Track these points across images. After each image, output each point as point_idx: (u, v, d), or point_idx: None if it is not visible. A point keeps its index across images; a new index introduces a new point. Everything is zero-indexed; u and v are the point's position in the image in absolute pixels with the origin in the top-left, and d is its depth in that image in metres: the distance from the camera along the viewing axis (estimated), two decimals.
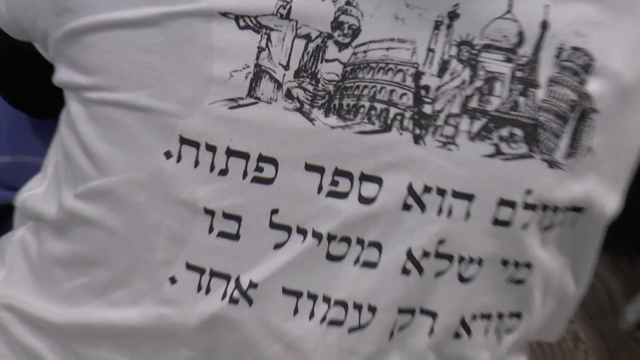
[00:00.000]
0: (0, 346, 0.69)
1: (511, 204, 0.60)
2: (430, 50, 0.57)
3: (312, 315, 0.61)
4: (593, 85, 0.60)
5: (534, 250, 0.63)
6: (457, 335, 0.65)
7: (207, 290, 0.61)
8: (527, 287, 0.66)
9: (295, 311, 0.61)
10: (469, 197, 0.59)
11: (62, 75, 0.63)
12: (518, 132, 0.59)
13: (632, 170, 0.68)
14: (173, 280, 0.62)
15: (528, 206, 0.61)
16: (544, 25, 0.58)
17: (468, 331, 0.65)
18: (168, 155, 0.59)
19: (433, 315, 0.64)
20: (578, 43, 0.58)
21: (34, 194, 0.69)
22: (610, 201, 0.66)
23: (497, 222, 0.61)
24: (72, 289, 0.65)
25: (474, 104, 0.58)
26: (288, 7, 0.56)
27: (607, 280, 1.80)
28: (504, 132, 0.59)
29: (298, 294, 0.61)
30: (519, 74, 0.58)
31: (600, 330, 1.73)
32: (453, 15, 0.57)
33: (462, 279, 0.62)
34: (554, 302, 0.71)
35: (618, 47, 0.60)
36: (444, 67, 0.57)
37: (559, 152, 0.61)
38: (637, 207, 1.34)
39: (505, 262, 0.63)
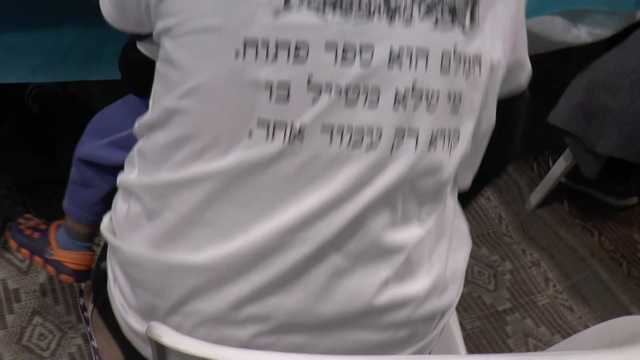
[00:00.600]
0: (136, 205, 0.84)
1: (448, 56, 0.76)
2: None
3: (342, 139, 0.74)
4: None
5: (460, 84, 0.77)
6: (429, 147, 0.77)
7: (273, 137, 0.73)
8: (461, 111, 0.79)
9: (331, 139, 0.74)
10: (426, 52, 0.74)
11: (158, 27, 0.76)
12: (446, 12, 0.75)
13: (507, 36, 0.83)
14: (250, 134, 0.74)
15: (454, 57, 0.76)
16: None
17: (435, 144, 0.78)
18: (237, 54, 0.72)
19: (416, 131, 0.76)
20: None
21: (143, 116, 0.83)
22: (495, 52, 0.81)
23: (442, 69, 0.76)
24: (177, 160, 0.77)
25: None
26: None
27: (516, 179, 2.06)
28: (438, 12, 0.75)
29: (332, 127, 0.74)
30: None
31: (514, 211, 1.99)
32: None
33: (429, 108, 0.76)
34: (474, 125, 0.84)
35: None
36: None
37: (466, 23, 0.77)
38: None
39: (449, 97, 0.77)
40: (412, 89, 0.74)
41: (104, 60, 1.29)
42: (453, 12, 0.76)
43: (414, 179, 0.78)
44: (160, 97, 0.78)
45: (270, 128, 0.73)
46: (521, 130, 1.05)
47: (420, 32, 0.74)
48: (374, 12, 0.72)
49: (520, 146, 1.06)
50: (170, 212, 0.79)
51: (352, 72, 0.72)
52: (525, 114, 1.03)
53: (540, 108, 2.25)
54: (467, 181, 0.93)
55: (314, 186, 0.75)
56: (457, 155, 0.82)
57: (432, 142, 0.77)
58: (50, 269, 1.41)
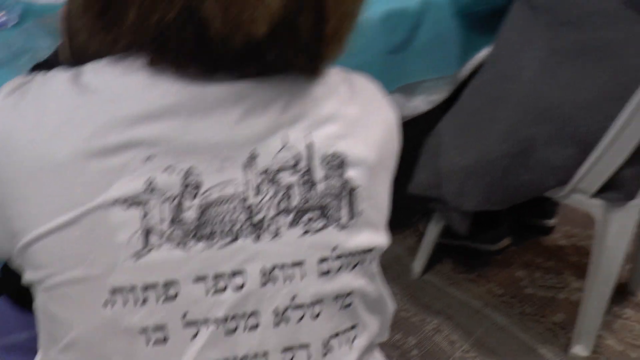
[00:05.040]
0: None
1: (326, 259, 0.70)
2: (247, 182, 0.67)
3: None
4: (350, 173, 0.70)
5: (349, 283, 0.72)
6: (325, 354, 0.72)
7: None
8: (353, 308, 0.74)
9: None
10: (300, 263, 0.69)
11: (26, 276, 0.68)
12: (315, 214, 0.69)
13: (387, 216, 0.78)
14: None
15: (336, 257, 0.70)
16: (309, 146, 0.68)
17: (330, 349, 0.72)
18: (105, 304, 0.65)
19: (307, 345, 0.71)
20: (333, 150, 0.69)
21: None
22: (382, 239, 0.76)
23: (321, 274, 0.70)
24: None
25: (283, 205, 0.68)
26: (152, 186, 0.64)
27: (395, 252, 1.95)
28: (306, 217, 0.68)
29: None
30: (303, 179, 0.68)
31: (403, 283, 1.89)
32: (253, 157, 0.66)
33: (314, 316, 0.71)
34: (377, 314, 0.79)
35: (358, 146, 0.71)
36: (257, 190, 0.67)
37: (343, 218, 0.70)
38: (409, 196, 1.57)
39: (336, 297, 0.71)
40: (291, 304, 0.69)
41: None
42: (323, 213, 0.70)
43: None
44: (47, 348, 0.71)
45: None
46: None
47: (290, 243, 0.69)
48: (237, 233, 0.67)
49: None
50: None
51: (226, 300, 0.67)
52: None
53: (397, 176, 2.18)
54: (383, 338, 0.86)
55: None
56: (362, 343, 0.76)
57: (326, 347, 0.73)
58: None
